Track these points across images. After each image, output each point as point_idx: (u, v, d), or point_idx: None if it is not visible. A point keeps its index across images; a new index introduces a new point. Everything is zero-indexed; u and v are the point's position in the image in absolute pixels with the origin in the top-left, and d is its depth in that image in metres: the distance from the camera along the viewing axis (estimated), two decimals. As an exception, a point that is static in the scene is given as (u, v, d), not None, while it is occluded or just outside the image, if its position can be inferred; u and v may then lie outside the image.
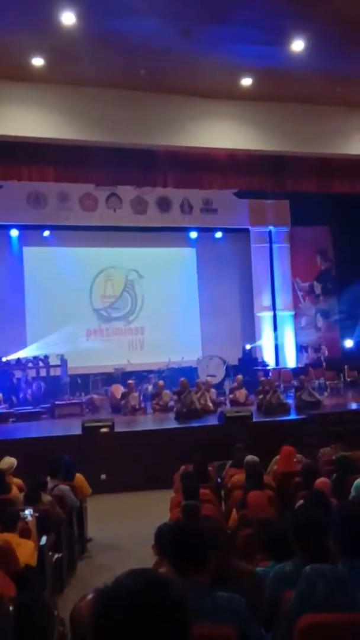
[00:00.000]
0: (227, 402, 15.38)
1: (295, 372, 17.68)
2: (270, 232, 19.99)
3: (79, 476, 8.15)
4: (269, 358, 19.38)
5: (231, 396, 15.38)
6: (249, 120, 12.66)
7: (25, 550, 5.00)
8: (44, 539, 5.74)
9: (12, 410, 15.04)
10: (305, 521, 3.41)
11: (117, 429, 11.95)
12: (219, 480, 8.33)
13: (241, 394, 15.20)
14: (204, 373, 17.55)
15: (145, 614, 1.31)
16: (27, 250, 18.64)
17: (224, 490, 7.77)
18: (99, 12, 9.34)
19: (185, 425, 12.80)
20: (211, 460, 8.70)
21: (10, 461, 7.87)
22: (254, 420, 12.46)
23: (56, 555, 6.29)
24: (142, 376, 17.26)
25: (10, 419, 14.46)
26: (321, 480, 5.99)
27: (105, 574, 6.32)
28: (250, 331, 19.74)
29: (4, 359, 17.07)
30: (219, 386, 16.84)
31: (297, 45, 10.57)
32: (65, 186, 16.57)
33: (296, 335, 19.83)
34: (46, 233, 18.41)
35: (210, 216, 19.37)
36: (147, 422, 14.04)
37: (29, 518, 5.65)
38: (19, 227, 18.24)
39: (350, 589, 2.75)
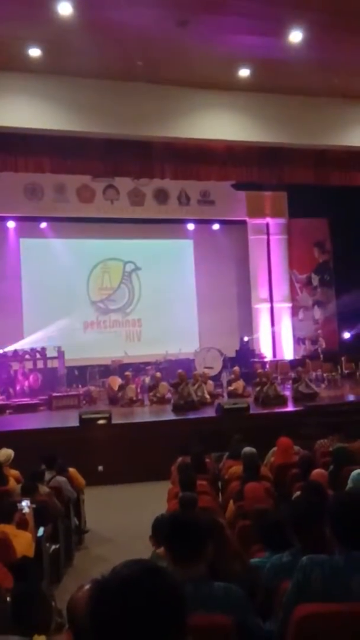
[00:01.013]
0: (225, 393, 15.40)
1: (293, 364, 17.69)
2: (267, 224, 19.97)
3: (72, 470, 8.15)
4: (266, 350, 19.39)
5: (229, 388, 15.39)
6: (247, 111, 12.62)
7: (22, 542, 5.01)
8: (41, 530, 5.75)
9: (9, 402, 15.05)
10: (302, 511, 3.42)
11: (115, 421, 11.95)
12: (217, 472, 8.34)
13: (238, 385, 15.21)
14: (201, 365, 17.55)
15: (142, 604, 1.31)
16: (24, 242, 18.62)
17: (221, 482, 7.78)
18: (96, 2, 9.30)
19: (183, 417, 12.81)
20: (208, 451, 8.71)
21: (7, 453, 7.88)
22: (251, 412, 12.47)
23: (53, 547, 6.31)
24: (139, 368, 17.27)
25: (7, 411, 14.47)
26: (317, 472, 6.00)
27: (102, 565, 6.32)
28: (248, 323, 19.75)
29: (0, 351, 17.06)
30: (216, 378, 16.84)
31: (295, 36, 10.53)
32: (62, 178, 16.52)
33: (293, 327, 19.84)
34: (43, 225, 18.39)
35: (207, 208, 19.34)
36: (144, 414, 14.06)
37: (26, 510, 5.66)
38: (16, 219, 18.22)
39: (347, 579, 2.76)
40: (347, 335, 19.32)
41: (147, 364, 17.48)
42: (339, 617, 2.66)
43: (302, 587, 2.81)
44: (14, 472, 7.47)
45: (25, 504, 5.72)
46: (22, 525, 5.37)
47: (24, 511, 5.60)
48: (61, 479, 7.45)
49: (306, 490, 4.77)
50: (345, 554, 2.83)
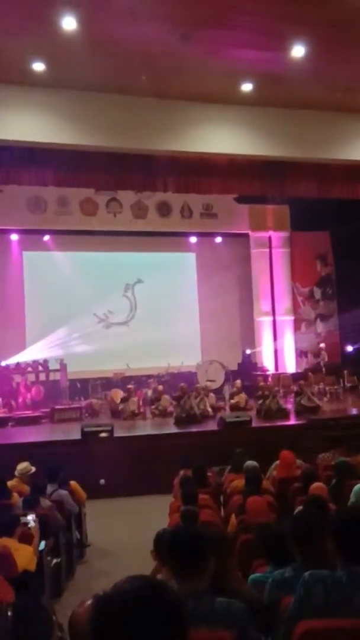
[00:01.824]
0: (227, 407, 15.38)
1: (295, 377, 17.69)
2: (270, 237, 20.01)
3: (73, 483, 8.13)
4: (268, 363, 19.37)
5: (231, 401, 15.36)
6: (249, 125, 12.67)
7: (24, 555, 4.99)
8: (42, 544, 5.73)
9: (11, 415, 15.03)
10: (303, 526, 3.41)
11: (116, 434, 11.93)
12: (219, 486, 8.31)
13: (241, 398, 15.20)
14: (203, 378, 17.54)
15: (144, 620, 1.31)
16: (27, 255, 18.68)
17: (223, 496, 7.75)
18: (100, 17, 9.35)
19: (185, 430, 12.79)
20: (210, 465, 8.69)
21: (25, 466, 7.84)
22: (254, 425, 12.46)
23: (55, 560, 6.29)
24: (141, 381, 17.25)
25: (10, 423, 14.45)
26: (316, 485, 5.98)
27: (104, 579, 6.31)
28: (250, 336, 19.76)
29: (3, 363, 17.06)
30: (218, 391, 16.83)
31: (298, 50, 10.58)
32: (65, 191, 16.60)
33: (296, 340, 19.83)
34: (46, 238, 18.44)
35: (210, 221, 19.39)
36: (146, 427, 14.03)
37: (32, 524, 5.65)
38: (19, 232, 18.28)
39: (349, 595, 2.75)
40: (350, 348, 19.28)
41: (149, 376, 17.47)
42: (341, 633, 2.65)
43: (304, 603, 2.80)
44: (24, 487, 7.43)
45: (31, 517, 5.72)
46: (27, 539, 5.35)
47: (29, 525, 5.59)
48: (63, 492, 7.44)
49: (308, 504, 4.76)
50: (348, 569, 2.82)
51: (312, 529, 3.35)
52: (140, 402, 15.60)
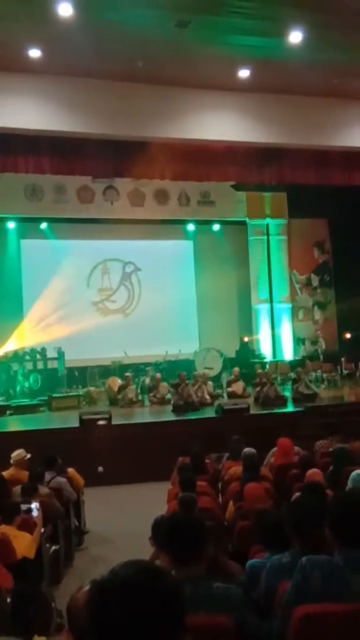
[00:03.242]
0: (224, 394, 15.40)
1: (292, 364, 17.70)
2: (267, 224, 19.96)
3: (71, 470, 8.14)
4: (266, 350, 19.38)
5: (228, 389, 15.39)
6: (247, 112, 12.63)
7: (23, 543, 5.01)
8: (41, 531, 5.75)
9: (9, 403, 15.04)
10: (301, 512, 3.42)
11: (115, 422, 11.96)
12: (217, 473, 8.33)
13: (238, 386, 15.22)
14: (201, 365, 17.55)
15: (141, 604, 1.31)
16: (24, 243, 18.62)
17: (220, 483, 7.78)
18: (96, 3, 9.31)
19: (183, 417, 12.82)
20: (208, 452, 8.72)
21: (20, 452, 7.84)
22: (251, 412, 12.49)
23: (53, 547, 6.31)
24: (139, 369, 17.25)
25: (8, 412, 14.46)
26: (313, 471, 6.00)
27: (102, 566, 6.33)
28: (248, 324, 19.74)
29: (1, 352, 17.06)
30: (216, 379, 16.85)
31: (295, 36, 10.54)
32: (62, 178, 16.50)
33: (293, 327, 19.83)
34: (43, 225, 18.39)
35: (207, 208, 19.33)
36: (144, 415, 14.07)
37: (35, 512, 5.67)
38: (16, 220, 18.21)
39: (346, 579, 2.76)
40: (348, 335, 19.27)
41: (147, 364, 17.46)
42: (339, 617, 2.67)
43: (301, 588, 2.82)
44: (23, 474, 7.44)
45: (34, 506, 5.74)
46: (29, 526, 5.37)
47: (33, 514, 5.61)
48: (61, 479, 7.45)
49: (305, 490, 4.78)
50: (345, 554, 2.83)
51: (310, 515, 3.37)
52: (138, 390, 15.63)
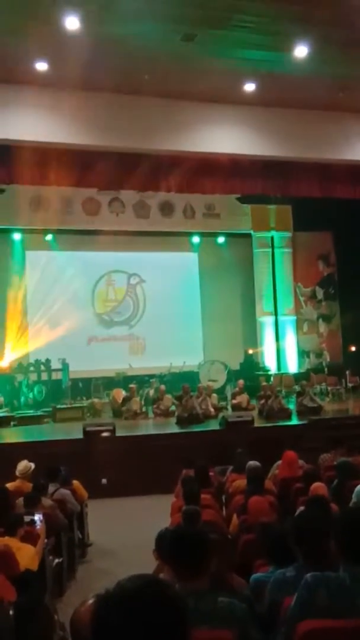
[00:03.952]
0: (229, 407, 15.37)
1: (297, 377, 17.67)
2: (272, 237, 19.99)
3: (76, 482, 8.13)
4: (270, 363, 19.35)
5: (233, 401, 15.36)
6: (252, 125, 12.68)
7: (26, 555, 4.99)
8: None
9: (13, 414, 15.03)
10: (306, 526, 3.41)
11: (118, 433, 11.93)
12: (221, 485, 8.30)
13: (242, 398, 15.19)
14: (205, 378, 17.53)
15: (146, 618, 1.31)
16: (29, 254, 18.67)
17: (225, 495, 7.76)
18: (103, 17, 9.37)
19: (187, 430, 12.79)
20: (212, 465, 8.69)
21: (25, 464, 7.83)
22: (255, 425, 12.45)
23: (56, 560, 6.28)
24: (143, 380, 17.23)
25: (12, 423, 14.45)
26: (317, 485, 5.97)
27: (105, 579, 6.31)
28: (252, 336, 19.72)
29: (5, 363, 17.07)
30: (220, 391, 16.82)
31: (301, 51, 10.59)
32: (68, 190, 16.56)
33: (298, 340, 19.81)
34: (49, 237, 18.44)
35: (212, 221, 19.37)
36: (148, 427, 14.04)
37: (39, 524, 5.66)
38: (22, 231, 18.26)
39: (352, 596, 2.75)
40: (352, 349, 19.24)
41: (152, 376, 17.43)
42: (343, 633, 2.65)
43: (306, 605, 2.80)
44: (28, 486, 7.43)
45: (37, 517, 5.72)
46: (32, 538, 5.35)
47: (36, 525, 5.59)
48: (65, 491, 7.44)
49: (309, 504, 4.76)
50: (350, 570, 2.82)
51: (315, 529, 3.36)
52: (142, 402, 15.61)
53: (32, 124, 11.52)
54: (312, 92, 12.04)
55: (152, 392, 16.25)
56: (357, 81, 11.76)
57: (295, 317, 19.91)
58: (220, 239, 19.97)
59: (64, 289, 18.50)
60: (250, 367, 18.61)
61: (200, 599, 2.61)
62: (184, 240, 19.77)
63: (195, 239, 19.83)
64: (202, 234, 19.71)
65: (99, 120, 11.84)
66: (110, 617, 1.33)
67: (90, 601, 2.34)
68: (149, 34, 9.84)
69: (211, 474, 8.09)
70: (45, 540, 5.78)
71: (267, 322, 19.70)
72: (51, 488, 7.28)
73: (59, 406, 15.46)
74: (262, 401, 14.12)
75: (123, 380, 17.08)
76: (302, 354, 19.78)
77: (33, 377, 17.01)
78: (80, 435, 11.73)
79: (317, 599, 2.78)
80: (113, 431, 11.83)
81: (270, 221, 19.80)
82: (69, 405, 15.77)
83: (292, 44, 10.47)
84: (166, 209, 18.81)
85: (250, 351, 19.18)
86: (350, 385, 17.63)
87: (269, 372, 18.51)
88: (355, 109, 12.96)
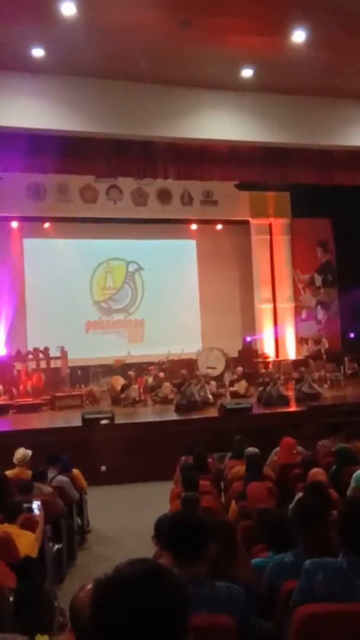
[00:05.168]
0: (227, 394, 15.39)
1: (296, 364, 17.68)
2: (270, 224, 19.95)
3: (76, 471, 8.15)
4: (269, 350, 19.37)
5: (231, 388, 15.38)
6: (250, 111, 12.63)
7: (25, 541, 5.01)
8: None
9: (12, 402, 15.05)
10: (308, 511, 3.42)
11: (117, 421, 11.96)
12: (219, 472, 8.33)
13: (241, 386, 15.21)
14: (204, 365, 17.54)
15: (144, 603, 1.32)
16: (27, 242, 18.64)
17: (223, 482, 7.78)
18: (99, 2, 9.31)
19: (185, 417, 12.82)
20: (211, 452, 8.71)
21: (23, 452, 7.84)
22: (254, 412, 12.47)
23: (56, 546, 6.31)
24: (142, 368, 17.25)
25: (11, 411, 14.48)
26: (316, 471, 6.00)
27: (105, 565, 6.30)
28: (251, 323, 19.73)
29: (4, 351, 17.07)
30: (219, 378, 16.84)
31: (298, 36, 10.53)
32: (65, 178, 16.52)
33: (296, 327, 19.81)
34: (46, 225, 18.41)
35: (210, 208, 19.31)
36: (147, 414, 14.06)
37: (37, 512, 5.67)
38: (19, 219, 18.22)
39: (350, 581, 2.76)
40: (351, 335, 19.26)
41: (150, 364, 17.46)
42: (342, 617, 2.66)
43: (306, 592, 2.82)
44: (27, 473, 7.44)
45: (35, 505, 5.74)
46: (31, 525, 5.37)
47: (35, 513, 5.61)
48: (63, 479, 7.45)
49: (308, 490, 4.78)
50: (349, 557, 2.83)
51: (316, 514, 3.37)
52: (141, 389, 15.63)
53: (28, 111, 11.46)
54: (310, 78, 11.97)
55: (150, 379, 16.27)
56: (355, 66, 11.70)
57: (293, 304, 19.90)
58: (219, 226, 19.93)
59: (62, 276, 18.49)
60: (249, 354, 18.58)
61: (199, 585, 2.62)
62: (182, 227, 19.75)
63: (194, 226, 19.80)
64: (200, 221, 19.66)
65: (96, 107, 11.78)
66: (109, 602, 1.33)
67: (89, 586, 2.36)
68: (146, 19, 9.77)
69: (210, 460, 8.12)
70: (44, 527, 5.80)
71: (265, 309, 19.68)
72: (50, 475, 7.29)
73: (57, 394, 15.48)
74: (261, 388, 14.15)
75: (122, 368, 17.09)
76: (301, 340, 19.77)
77: (32, 365, 17.01)
78: (79, 423, 11.77)
79: (316, 584, 2.79)
80: (112, 419, 11.85)
81: (268, 208, 19.75)
82: (67, 393, 15.80)
83: (290, 29, 10.40)
84: (164, 196, 18.75)
85: (249, 338, 19.19)
86: (348, 372, 17.66)
87: (268, 359, 18.52)
88: (354, 94, 12.91)
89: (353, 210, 17.44)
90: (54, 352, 17.18)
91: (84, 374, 17.52)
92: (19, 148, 12.03)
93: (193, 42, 10.58)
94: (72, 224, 18.72)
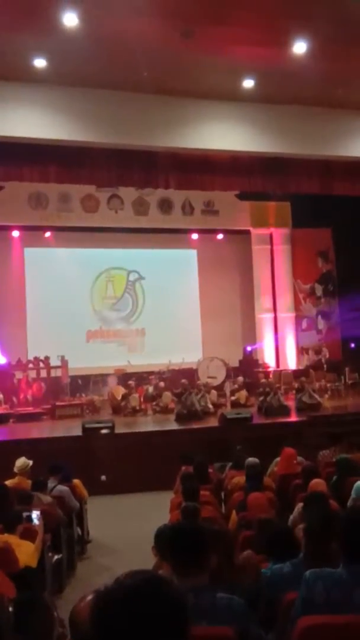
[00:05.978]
0: (228, 403, 15.38)
1: (296, 374, 17.68)
2: (271, 233, 19.99)
3: (76, 481, 8.14)
4: (269, 360, 19.36)
5: (232, 398, 15.37)
6: (251, 121, 12.66)
7: (25, 551, 5.00)
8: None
9: (12, 411, 15.04)
10: (318, 522, 3.41)
11: (118, 430, 11.94)
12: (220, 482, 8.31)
13: (242, 395, 15.21)
14: (204, 374, 17.54)
15: (145, 614, 1.31)
16: (28, 251, 18.67)
17: (224, 492, 7.77)
18: (101, 13, 9.34)
19: (186, 426, 12.80)
20: (211, 461, 8.70)
21: (23, 461, 7.83)
22: (254, 421, 12.46)
23: (56, 557, 6.29)
24: (142, 377, 17.24)
25: (11, 420, 14.47)
26: (316, 481, 5.98)
27: (105, 575, 6.32)
28: (251, 333, 19.74)
29: (4, 360, 17.07)
30: (219, 388, 16.82)
31: (299, 47, 10.57)
32: (66, 187, 16.56)
33: (297, 337, 19.81)
34: (47, 234, 18.44)
35: (211, 218, 19.35)
36: (147, 424, 14.04)
37: (36, 522, 5.66)
38: (21, 228, 18.27)
39: (349, 591, 2.75)
40: (352, 345, 19.25)
41: (151, 373, 17.45)
42: (342, 629, 2.65)
43: (307, 603, 2.81)
44: (27, 483, 7.42)
45: (35, 514, 5.72)
46: (31, 535, 5.35)
47: (34, 522, 5.59)
48: (64, 488, 7.44)
49: (309, 500, 4.77)
50: (349, 567, 2.82)
51: (323, 526, 3.37)
52: (141, 399, 15.62)
53: (30, 121, 11.50)
54: (311, 89, 12.02)
55: (151, 389, 16.26)
56: (356, 77, 11.74)
57: (294, 314, 19.91)
58: (220, 236, 19.97)
59: (63, 285, 18.51)
60: (250, 364, 18.63)
61: (200, 596, 2.60)
62: (183, 237, 19.80)
63: (195, 236, 19.83)
64: (201, 231, 19.70)
65: (98, 117, 11.83)
66: (109, 613, 1.33)
67: (89, 597, 2.35)
68: (148, 30, 9.81)
69: (210, 470, 8.10)
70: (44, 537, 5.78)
71: (266, 319, 19.71)
72: (50, 485, 7.28)
73: (58, 403, 15.47)
74: (261, 398, 14.13)
75: (122, 377, 17.08)
76: (301, 350, 19.77)
77: (32, 374, 17.01)
78: (79, 433, 11.75)
79: (316, 594, 2.79)
80: (112, 428, 11.84)
81: (269, 218, 19.79)
82: (68, 403, 15.79)
83: (291, 40, 10.45)
84: (165, 205, 18.80)
85: (249, 348, 19.19)
86: (349, 381, 17.65)
87: (268, 369, 18.51)
88: (354, 105, 12.94)
89: (353, 220, 17.47)
90: (54, 362, 17.19)
91: (85, 383, 17.52)
92: (20, 157, 12.09)
93: (195, 52, 10.62)
94: (73, 233, 18.75)
